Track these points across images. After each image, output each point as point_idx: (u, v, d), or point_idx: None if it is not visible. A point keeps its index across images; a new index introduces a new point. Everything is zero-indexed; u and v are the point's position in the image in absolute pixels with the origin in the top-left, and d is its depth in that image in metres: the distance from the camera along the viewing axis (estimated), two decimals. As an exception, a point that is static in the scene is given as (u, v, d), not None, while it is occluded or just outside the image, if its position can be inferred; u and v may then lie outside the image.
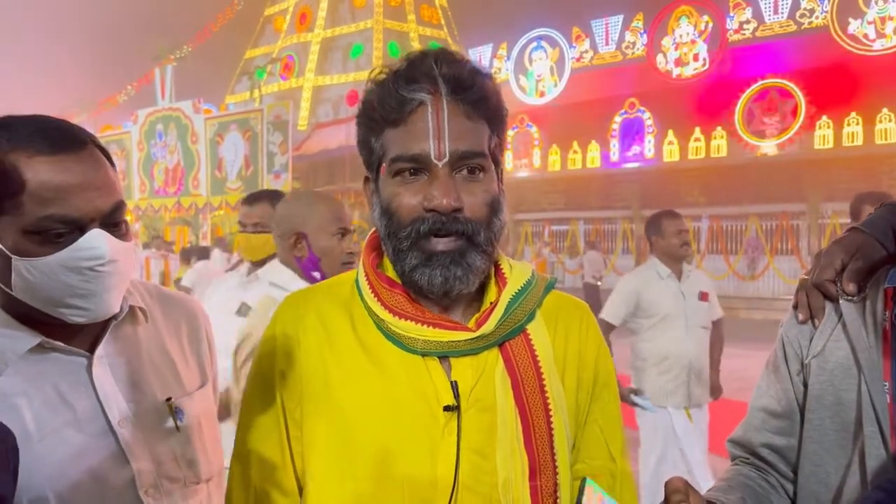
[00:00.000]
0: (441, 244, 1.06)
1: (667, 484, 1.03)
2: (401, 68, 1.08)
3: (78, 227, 1.12)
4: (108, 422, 1.19)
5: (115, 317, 1.23)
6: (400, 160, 1.07)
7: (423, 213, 1.06)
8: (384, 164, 1.10)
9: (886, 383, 1.12)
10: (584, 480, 1.06)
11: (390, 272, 1.15)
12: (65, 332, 1.19)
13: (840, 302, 1.20)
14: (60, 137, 1.13)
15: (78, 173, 1.12)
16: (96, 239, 1.12)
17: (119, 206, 1.17)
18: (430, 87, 1.06)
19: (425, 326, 1.09)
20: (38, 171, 1.09)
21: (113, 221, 1.16)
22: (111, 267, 1.14)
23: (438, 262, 1.06)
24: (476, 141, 1.08)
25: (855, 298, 1.18)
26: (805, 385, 1.24)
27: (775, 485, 1.29)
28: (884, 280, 1.17)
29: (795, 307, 1.27)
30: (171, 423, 1.26)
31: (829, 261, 1.22)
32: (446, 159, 1.05)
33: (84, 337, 1.22)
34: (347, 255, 2.12)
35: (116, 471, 1.18)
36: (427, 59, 1.08)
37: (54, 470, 1.13)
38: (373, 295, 1.13)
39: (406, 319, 1.09)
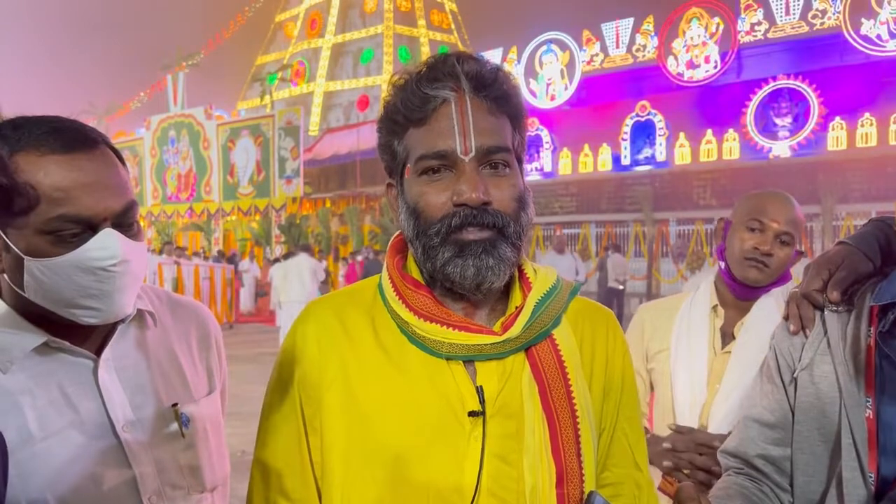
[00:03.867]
0: (472, 234, 1.05)
1: (678, 491, 1.04)
2: (422, 69, 1.09)
3: (90, 227, 1.11)
4: (113, 426, 1.18)
5: (123, 320, 1.22)
6: (426, 158, 1.07)
7: (452, 209, 1.05)
8: (409, 165, 1.10)
9: (869, 399, 1.15)
10: (591, 493, 1.06)
11: (415, 274, 1.14)
12: (74, 333, 1.18)
13: (825, 312, 1.24)
14: (72, 137, 1.12)
15: (90, 173, 1.11)
16: (108, 239, 1.11)
17: (131, 207, 1.16)
18: (454, 84, 1.07)
19: (450, 329, 1.07)
20: (50, 171, 1.08)
21: (125, 222, 1.15)
22: (123, 267, 1.13)
23: (471, 252, 1.05)
24: (500, 136, 1.08)
25: (839, 308, 1.22)
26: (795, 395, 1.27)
27: (769, 494, 1.30)
28: (870, 297, 1.20)
29: (786, 318, 1.30)
30: (176, 429, 1.24)
31: (817, 272, 1.27)
32: (472, 154, 1.05)
33: (93, 339, 1.21)
34: (752, 251, 1.90)
35: (119, 476, 1.17)
36: (449, 58, 1.09)
37: (55, 472, 1.12)
38: (397, 297, 1.12)
39: (431, 322, 1.08)
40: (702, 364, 1.96)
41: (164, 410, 1.24)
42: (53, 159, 1.09)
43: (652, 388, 2.13)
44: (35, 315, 1.16)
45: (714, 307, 2.02)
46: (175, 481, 1.23)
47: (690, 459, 1.80)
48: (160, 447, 1.22)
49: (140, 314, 1.27)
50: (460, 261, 1.05)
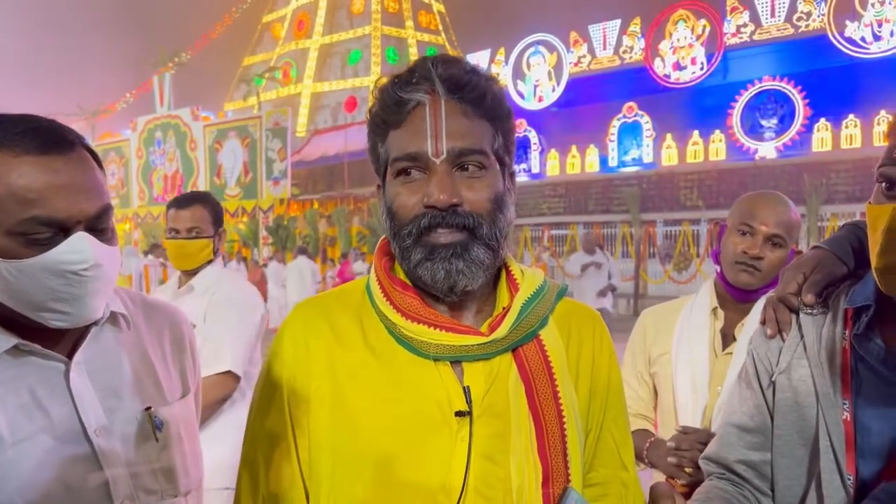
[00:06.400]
0: (442, 237, 1.06)
1: (653, 489, 1.05)
2: (400, 73, 1.10)
3: (62, 230, 1.09)
4: (85, 430, 1.16)
5: (95, 322, 1.20)
6: (399, 160, 1.08)
7: (423, 210, 1.06)
8: (389, 167, 1.11)
9: (846, 401, 1.15)
10: (566, 488, 1.06)
11: (402, 276, 1.15)
12: (45, 336, 1.15)
13: (801, 316, 1.25)
14: (48, 138, 1.10)
15: (65, 175, 1.09)
16: (80, 243, 1.09)
17: (105, 210, 1.14)
18: (428, 87, 1.08)
19: (438, 330, 1.08)
20: (24, 172, 1.06)
21: (98, 226, 1.13)
22: (95, 272, 1.11)
23: (440, 256, 1.06)
24: (475, 139, 1.08)
25: (814, 311, 1.24)
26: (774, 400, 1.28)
27: (750, 498, 1.30)
28: (844, 300, 1.21)
29: (763, 323, 1.31)
30: (149, 432, 1.22)
31: (792, 276, 1.29)
32: (444, 157, 1.06)
33: (65, 342, 1.19)
34: (741, 255, 1.91)
35: (91, 481, 1.15)
36: (425, 62, 1.10)
37: (26, 477, 1.09)
38: (385, 298, 1.13)
39: (418, 323, 1.09)
40: (703, 366, 1.96)
41: (137, 414, 1.22)
42: (28, 160, 1.07)
43: (656, 392, 2.13)
44: (3, 317, 1.13)
45: (714, 309, 2.02)
46: (148, 485, 1.21)
47: (693, 457, 1.81)
48: (133, 451, 1.20)
49: (113, 316, 1.26)
50: (430, 264, 1.07)
